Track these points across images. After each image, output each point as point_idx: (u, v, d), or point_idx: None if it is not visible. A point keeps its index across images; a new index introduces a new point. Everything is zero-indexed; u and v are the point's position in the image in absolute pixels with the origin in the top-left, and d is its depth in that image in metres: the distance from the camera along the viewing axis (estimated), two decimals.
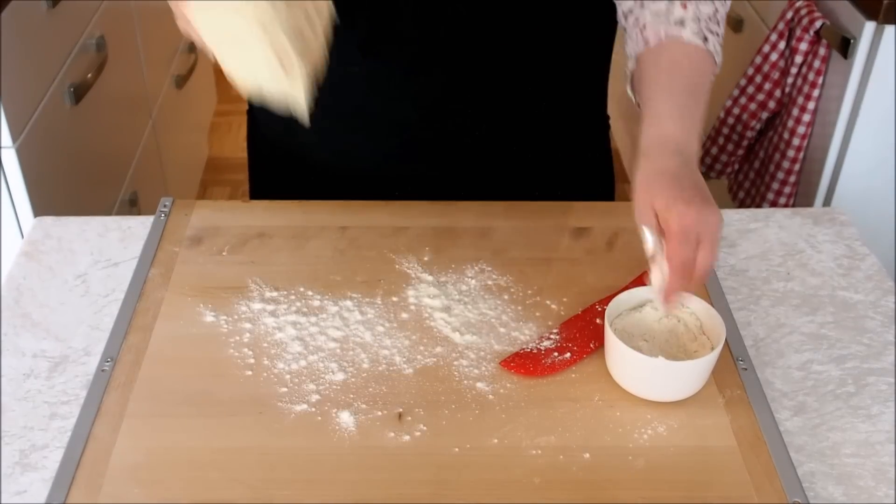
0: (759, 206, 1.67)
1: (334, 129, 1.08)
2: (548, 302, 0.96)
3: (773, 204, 1.63)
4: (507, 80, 1.08)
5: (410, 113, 1.08)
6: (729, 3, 0.97)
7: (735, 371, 0.88)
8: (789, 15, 1.57)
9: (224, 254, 1.03)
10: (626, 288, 0.92)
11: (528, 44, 1.05)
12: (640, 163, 0.87)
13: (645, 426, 0.83)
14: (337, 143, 1.09)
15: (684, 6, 0.93)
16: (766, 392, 0.87)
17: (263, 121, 1.19)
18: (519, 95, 1.09)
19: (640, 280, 0.97)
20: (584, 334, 0.91)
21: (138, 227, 1.09)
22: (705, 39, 0.92)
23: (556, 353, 0.89)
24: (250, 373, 0.87)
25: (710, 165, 1.79)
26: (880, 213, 1.59)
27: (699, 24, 0.92)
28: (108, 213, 1.89)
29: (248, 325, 0.93)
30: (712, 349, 0.84)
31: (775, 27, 1.59)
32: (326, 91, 1.09)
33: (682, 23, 0.92)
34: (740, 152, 1.73)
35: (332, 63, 1.06)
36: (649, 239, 0.85)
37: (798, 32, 1.53)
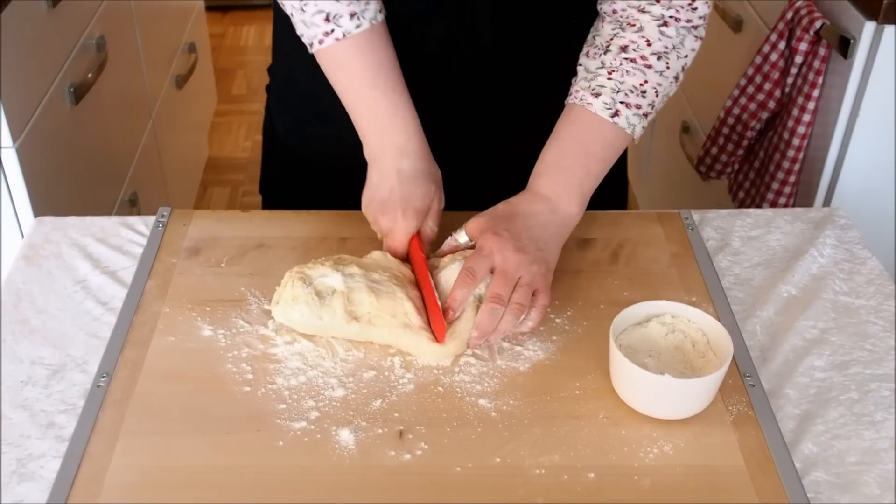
0: (759, 205, 1.65)
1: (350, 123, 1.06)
2: (552, 315, 0.95)
3: (773, 204, 1.62)
4: (513, 83, 1.07)
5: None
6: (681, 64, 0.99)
7: (742, 387, 0.87)
8: (789, 15, 1.55)
9: (222, 265, 1.01)
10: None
11: (536, 47, 1.05)
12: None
13: (651, 445, 0.81)
14: (353, 133, 1.07)
15: (609, 75, 0.95)
16: (770, 402, 0.86)
17: (280, 112, 1.18)
18: (524, 99, 1.08)
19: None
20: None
21: (138, 226, 1.08)
22: (616, 114, 0.95)
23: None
24: (248, 389, 0.86)
25: (710, 165, 1.77)
26: (880, 213, 1.58)
27: (616, 95, 0.95)
28: (108, 213, 1.88)
29: (246, 340, 0.91)
30: (719, 365, 0.82)
31: (775, 27, 1.58)
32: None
33: (597, 94, 0.96)
34: (740, 152, 1.71)
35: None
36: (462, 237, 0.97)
37: (798, 32, 1.52)
